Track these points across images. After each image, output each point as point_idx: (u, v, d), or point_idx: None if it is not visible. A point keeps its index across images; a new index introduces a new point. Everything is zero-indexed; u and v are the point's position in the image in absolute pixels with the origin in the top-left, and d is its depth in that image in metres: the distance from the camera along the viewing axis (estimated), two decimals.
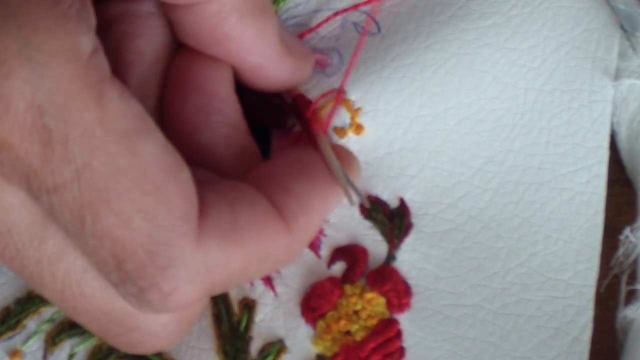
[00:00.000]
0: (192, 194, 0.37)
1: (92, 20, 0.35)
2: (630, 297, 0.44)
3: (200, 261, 0.37)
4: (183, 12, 0.41)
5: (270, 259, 0.39)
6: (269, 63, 0.43)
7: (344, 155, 0.44)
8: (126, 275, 0.36)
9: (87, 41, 0.34)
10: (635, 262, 0.44)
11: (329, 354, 0.44)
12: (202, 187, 0.38)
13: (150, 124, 0.36)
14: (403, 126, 0.46)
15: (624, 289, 0.44)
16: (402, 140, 0.46)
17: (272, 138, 0.46)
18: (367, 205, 0.45)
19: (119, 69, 0.41)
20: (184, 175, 0.37)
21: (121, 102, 0.35)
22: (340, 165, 0.42)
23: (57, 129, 0.34)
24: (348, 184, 0.42)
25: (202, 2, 0.40)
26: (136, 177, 0.35)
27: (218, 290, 0.39)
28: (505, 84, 0.46)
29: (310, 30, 0.48)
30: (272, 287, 0.45)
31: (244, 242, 0.38)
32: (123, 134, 0.35)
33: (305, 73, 0.45)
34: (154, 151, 0.35)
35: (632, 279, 0.44)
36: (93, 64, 0.34)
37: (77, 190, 0.34)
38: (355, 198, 0.43)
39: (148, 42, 0.42)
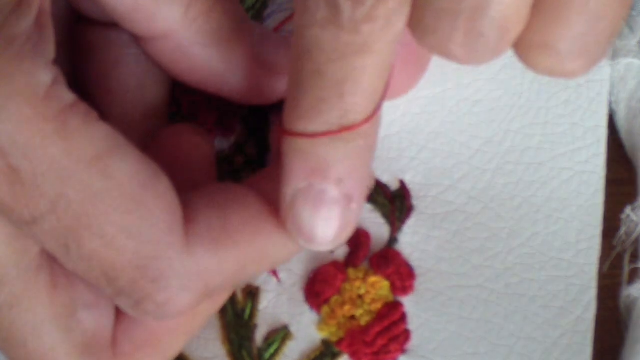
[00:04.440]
0: (174, 203, 0.36)
1: (51, 50, 0.35)
2: (633, 276, 0.45)
3: (191, 269, 0.36)
4: (145, 45, 0.40)
5: (268, 258, 0.39)
6: (244, 86, 0.42)
7: None
8: (120, 290, 0.36)
9: (45, 75, 0.34)
10: (637, 240, 0.45)
11: (334, 339, 0.44)
12: (189, 192, 0.38)
13: (120, 142, 0.35)
14: (401, 108, 0.46)
15: (626, 267, 0.45)
16: (400, 122, 0.46)
17: (272, 123, 0.46)
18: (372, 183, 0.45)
19: (100, 97, 0.40)
20: (163, 185, 0.36)
21: (86, 128, 0.34)
22: None
23: (23, 167, 0.33)
24: None
25: (159, 37, 0.39)
26: (114, 198, 0.35)
27: (215, 294, 0.39)
28: (503, 65, 0.46)
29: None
30: (275, 273, 0.45)
31: (237, 245, 0.37)
32: (93, 158, 0.34)
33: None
34: (128, 169, 0.35)
35: (634, 257, 0.45)
36: (52, 96, 0.34)
37: (55, 221, 0.34)
38: None
39: (129, 70, 0.41)
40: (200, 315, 0.41)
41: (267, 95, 0.42)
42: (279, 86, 0.42)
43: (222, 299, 0.41)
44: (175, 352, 0.41)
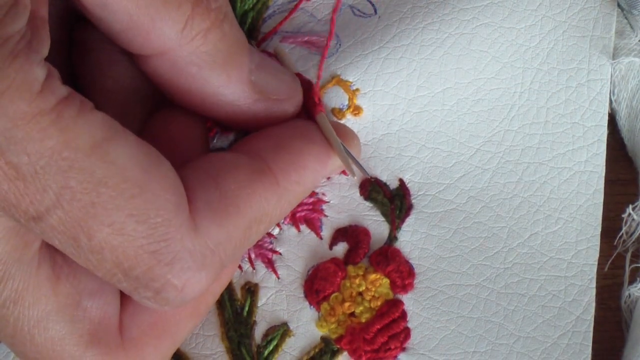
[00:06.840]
0: (177, 183, 0.36)
1: (45, 47, 0.35)
2: (634, 275, 0.45)
3: (203, 245, 0.36)
4: (140, 63, 0.40)
5: (266, 217, 0.39)
6: (239, 111, 0.41)
7: (344, 133, 0.44)
8: (136, 280, 0.36)
9: (39, 71, 0.34)
10: (638, 240, 0.45)
11: (334, 336, 0.44)
12: (181, 170, 0.38)
13: (118, 128, 0.35)
14: (401, 107, 0.46)
15: (627, 267, 0.45)
16: (400, 121, 0.46)
17: None
18: (368, 175, 0.45)
19: (97, 98, 0.40)
20: (165, 167, 0.36)
21: (82, 118, 0.34)
22: (339, 140, 0.42)
23: (23, 163, 0.33)
24: (348, 157, 0.42)
25: (154, 55, 0.39)
26: (118, 184, 0.34)
27: (228, 265, 0.39)
28: (503, 64, 0.46)
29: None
30: (274, 270, 0.45)
31: (238, 210, 0.38)
32: (92, 146, 0.34)
33: (287, 112, 0.43)
34: (128, 153, 0.35)
35: (635, 257, 0.45)
36: (47, 90, 0.34)
37: (61, 214, 0.34)
38: (356, 170, 0.43)
39: (125, 70, 0.41)
40: (206, 296, 0.40)
41: (262, 121, 0.42)
42: (275, 113, 0.42)
43: (227, 277, 0.41)
44: (183, 335, 0.40)
